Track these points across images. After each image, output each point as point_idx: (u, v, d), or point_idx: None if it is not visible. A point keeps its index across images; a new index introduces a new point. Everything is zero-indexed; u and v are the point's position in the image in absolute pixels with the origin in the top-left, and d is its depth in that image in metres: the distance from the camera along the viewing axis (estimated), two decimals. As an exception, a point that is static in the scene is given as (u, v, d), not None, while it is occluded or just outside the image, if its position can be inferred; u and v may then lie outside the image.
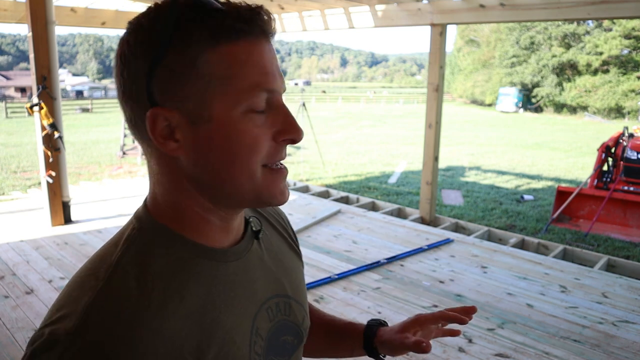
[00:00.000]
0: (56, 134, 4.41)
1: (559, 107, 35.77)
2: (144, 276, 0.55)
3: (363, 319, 3.19)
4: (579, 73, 34.95)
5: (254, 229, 0.69)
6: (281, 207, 0.80)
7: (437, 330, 0.86)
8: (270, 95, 0.57)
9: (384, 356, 0.87)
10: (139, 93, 0.55)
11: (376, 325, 0.88)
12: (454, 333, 0.87)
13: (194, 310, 0.56)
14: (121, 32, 0.60)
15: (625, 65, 32.73)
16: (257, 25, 0.55)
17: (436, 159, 5.35)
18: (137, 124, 0.57)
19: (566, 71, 35.86)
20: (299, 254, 0.82)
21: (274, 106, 0.58)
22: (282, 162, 0.61)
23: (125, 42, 0.56)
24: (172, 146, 0.56)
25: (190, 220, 0.60)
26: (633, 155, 6.57)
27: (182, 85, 0.54)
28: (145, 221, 0.60)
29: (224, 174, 0.57)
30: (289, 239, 0.81)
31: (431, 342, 0.77)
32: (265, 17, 0.56)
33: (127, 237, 0.59)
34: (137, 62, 0.55)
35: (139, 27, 0.56)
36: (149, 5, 0.58)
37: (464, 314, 0.82)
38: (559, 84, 35.79)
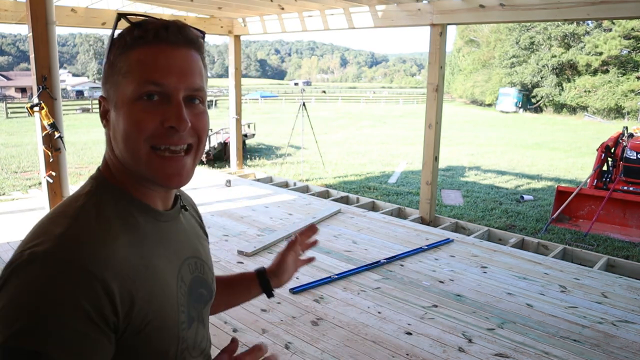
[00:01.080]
0: (56, 134, 4.41)
1: (559, 107, 35.76)
2: (101, 217, 0.71)
3: (363, 319, 3.20)
4: (579, 73, 34.94)
5: (181, 204, 0.87)
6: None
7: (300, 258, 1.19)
8: (163, 89, 0.71)
9: (273, 290, 1.12)
10: (103, 84, 0.78)
11: (263, 266, 1.13)
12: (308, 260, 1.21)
13: (136, 247, 0.72)
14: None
15: (625, 65, 32.72)
16: (159, 34, 0.72)
17: (436, 159, 5.35)
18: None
19: (566, 71, 35.85)
20: (207, 235, 1.00)
21: (170, 100, 0.72)
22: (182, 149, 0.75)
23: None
24: (104, 123, 0.78)
25: (133, 184, 0.77)
26: (632, 155, 6.57)
27: (109, 80, 0.75)
28: (101, 181, 0.77)
29: (122, 149, 0.74)
30: (200, 221, 0.99)
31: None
32: (173, 29, 0.73)
33: (87, 192, 0.75)
34: (103, 61, 0.78)
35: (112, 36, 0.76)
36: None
37: (308, 231, 1.14)
38: (559, 84, 35.79)
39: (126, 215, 0.74)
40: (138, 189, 0.77)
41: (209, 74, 0.83)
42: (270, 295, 1.12)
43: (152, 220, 0.78)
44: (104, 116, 0.77)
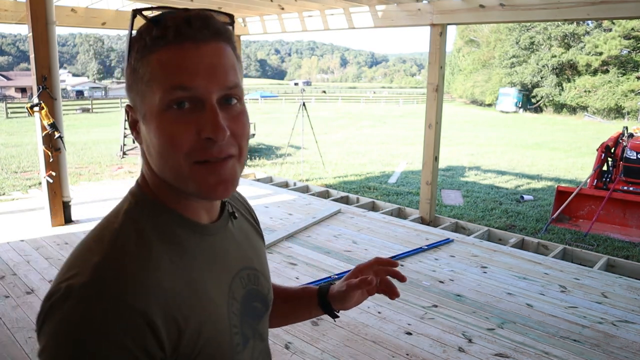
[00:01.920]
0: (56, 134, 4.41)
1: (559, 107, 35.76)
2: (141, 241, 0.64)
3: (363, 319, 3.20)
4: (579, 73, 34.94)
5: (230, 210, 0.80)
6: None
7: (379, 281, 0.94)
8: (193, 93, 0.62)
9: (338, 311, 0.97)
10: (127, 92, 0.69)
11: (327, 285, 0.98)
12: (393, 292, 0.94)
13: (182, 272, 0.65)
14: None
15: (625, 65, 32.72)
16: (176, 30, 0.62)
17: (436, 159, 5.35)
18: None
19: (566, 71, 35.85)
20: (262, 236, 0.92)
21: (202, 105, 0.63)
22: (224, 156, 0.65)
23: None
24: (135, 135, 0.69)
25: (174, 198, 0.69)
26: (632, 155, 6.57)
27: (132, 87, 0.66)
28: (139, 197, 0.70)
29: (160, 166, 0.66)
30: (253, 222, 0.91)
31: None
32: (195, 22, 0.62)
33: (125, 210, 0.68)
34: (124, 70, 0.68)
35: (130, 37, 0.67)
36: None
37: (395, 275, 0.93)
38: (559, 84, 35.79)
39: (169, 234, 0.67)
40: (180, 201, 0.69)
41: None
42: (334, 316, 0.99)
43: (198, 237, 0.70)
44: (134, 127, 0.69)
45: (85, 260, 0.61)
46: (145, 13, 0.64)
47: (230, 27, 0.68)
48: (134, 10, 0.64)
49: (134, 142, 9.68)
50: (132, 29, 0.64)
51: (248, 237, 0.84)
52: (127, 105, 0.69)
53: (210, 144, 0.63)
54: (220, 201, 0.77)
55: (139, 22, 0.65)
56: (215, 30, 0.64)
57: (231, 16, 0.69)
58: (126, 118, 0.70)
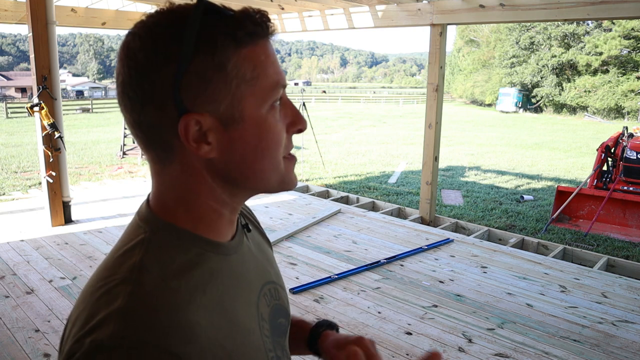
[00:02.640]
0: (56, 134, 4.41)
1: (559, 107, 35.77)
2: (168, 275, 0.57)
3: (363, 319, 3.20)
4: (579, 73, 34.95)
5: (242, 222, 0.74)
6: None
7: None
8: (284, 90, 0.63)
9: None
10: (163, 101, 0.56)
11: (323, 327, 0.87)
12: None
13: (215, 303, 0.59)
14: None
15: (625, 65, 32.73)
16: (267, 27, 0.59)
17: (436, 159, 5.35)
18: (157, 129, 0.58)
19: (566, 71, 35.86)
20: (269, 242, 0.87)
21: (283, 101, 0.63)
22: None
23: (139, 51, 0.56)
24: (205, 149, 0.58)
25: (203, 216, 0.63)
26: (632, 155, 6.57)
27: (212, 89, 0.56)
28: (154, 223, 0.61)
29: (255, 168, 0.62)
30: (260, 229, 0.86)
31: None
32: (270, 20, 0.61)
33: (142, 241, 0.60)
34: (160, 71, 0.55)
35: (155, 35, 0.56)
36: (153, 8, 0.58)
37: None
38: (559, 84, 35.80)
39: (196, 261, 0.60)
40: (204, 221, 0.63)
41: None
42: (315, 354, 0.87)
43: (222, 259, 0.64)
44: (200, 140, 0.57)
45: (106, 305, 0.53)
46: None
47: None
48: (199, 2, 0.56)
49: (133, 142, 9.69)
50: (196, 22, 0.55)
51: (261, 248, 0.79)
52: (192, 114, 0.56)
53: (291, 138, 0.65)
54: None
55: (128, 24, 0.59)
56: (274, 28, 0.63)
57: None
58: (181, 133, 0.56)
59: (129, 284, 0.54)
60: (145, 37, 0.56)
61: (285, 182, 0.65)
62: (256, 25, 0.58)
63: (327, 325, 0.88)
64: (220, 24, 0.56)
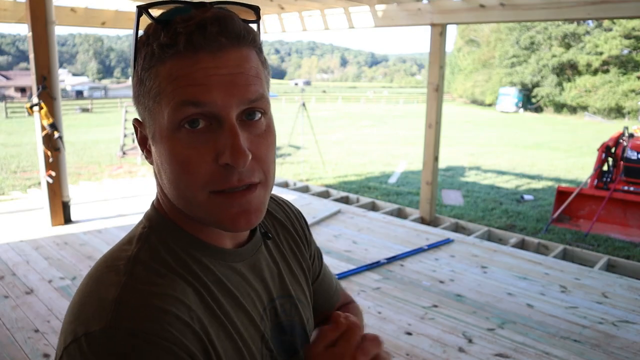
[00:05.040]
0: (56, 134, 4.41)
1: (559, 107, 35.77)
2: (163, 269, 0.57)
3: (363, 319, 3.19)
4: (579, 73, 34.96)
5: (262, 230, 0.71)
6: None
7: None
8: (207, 109, 0.53)
9: None
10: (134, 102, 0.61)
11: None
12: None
13: (207, 304, 0.58)
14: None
15: (625, 65, 32.73)
16: (187, 38, 0.52)
17: (436, 159, 5.35)
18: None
19: (566, 71, 35.86)
20: (305, 256, 0.80)
21: (220, 124, 0.54)
22: (245, 184, 0.56)
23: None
24: (146, 154, 0.61)
25: (194, 223, 0.61)
26: (633, 155, 6.57)
27: (139, 99, 0.58)
28: (156, 220, 0.62)
29: (173, 192, 0.58)
30: (297, 238, 0.79)
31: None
32: (210, 27, 0.53)
33: (140, 235, 0.60)
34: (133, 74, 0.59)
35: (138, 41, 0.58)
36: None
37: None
38: (559, 84, 35.80)
39: (192, 262, 0.59)
40: (200, 227, 0.61)
41: None
42: None
43: (222, 265, 0.62)
44: (144, 144, 0.61)
45: (100, 296, 0.53)
46: (153, 9, 0.54)
47: (256, 25, 0.58)
48: (139, 7, 0.55)
49: (133, 141, 9.70)
50: (137, 29, 0.56)
51: (285, 258, 0.73)
52: (135, 120, 0.61)
53: (230, 171, 0.54)
54: None
55: (145, 21, 0.56)
56: (235, 34, 0.54)
57: (256, 10, 0.58)
58: (134, 133, 0.62)
59: (123, 276, 0.54)
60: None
61: (213, 222, 0.58)
62: (172, 37, 0.52)
63: None
64: (150, 36, 0.54)
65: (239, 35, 0.55)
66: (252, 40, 0.57)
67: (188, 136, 0.54)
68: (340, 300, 0.90)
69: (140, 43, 0.56)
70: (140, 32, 0.57)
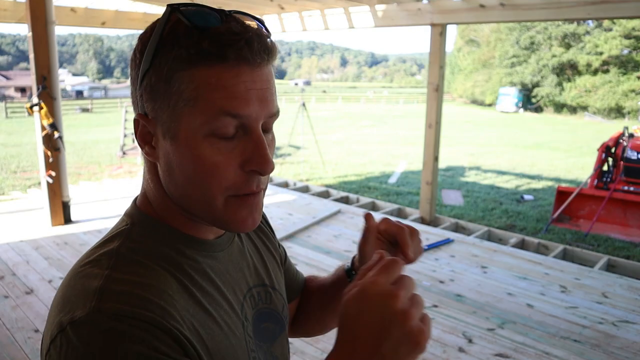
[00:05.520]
0: (56, 134, 4.41)
1: (559, 107, 35.77)
2: (146, 261, 0.58)
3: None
4: (579, 73, 34.96)
5: None
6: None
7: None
8: (241, 121, 0.56)
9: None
10: (134, 98, 0.61)
11: (350, 265, 0.85)
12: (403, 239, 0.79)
13: (191, 293, 0.60)
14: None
15: (625, 65, 32.73)
16: (235, 51, 0.55)
17: (436, 159, 5.35)
18: (135, 124, 0.62)
19: (566, 71, 35.86)
20: (275, 246, 0.85)
21: (248, 133, 0.58)
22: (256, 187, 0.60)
23: (135, 47, 0.61)
24: (147, 151, 0.61)
25: (178, 216, 0.64)
26: (633, 155, 6.57)
27: (159, 98, 0.58)
28: (137, 217, 0.64)
29: (183, 192, 0.60)
30: (267, 231, 0.85)
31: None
32: (252, 43, 0.55)
33: (122, 231, 0.62)
34: (135, 68, 0.60)
35: (144, 34, 0.60)
36: (152, 8, 0.58)
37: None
38: (559, 84, 35.80)
39: (174, 254, 0.61)
40: (181, 219, 0.64)
41: None
42: None
43: (205, 255, 0.65)
44: (147, 140, 0.61)
45: (84, 287, 0.54)
46: (184, 10, 0.56)
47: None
48: (170, 6, 0.57)
49: (133, 141, 9.69)
50: (164, 29, 0.57)
51: (258, 250, 0.79)
52: (140, 115, 0.60)
53: (252, 177, 0.59)
54: None
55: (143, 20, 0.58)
56: (270, 52, 0.58)
57: (263, 23, 0.62)
58: (135, 128, 0.61)
59: (106, 269, 0.56)
60: (140, 36, 0.60)
61: (221, 222, 0.61)
62: (217, 47, 0.54)
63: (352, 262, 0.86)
64: (183, 38, 0.55)
65: (272, 52, 0.58)
66: (276, 58, 0.60)
67: (219, 143, 0.57)
68: (304, 277, 0.97)
69: (169, 43, 0.56)
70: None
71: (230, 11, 0.59)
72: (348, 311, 0.51)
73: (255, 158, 0.57)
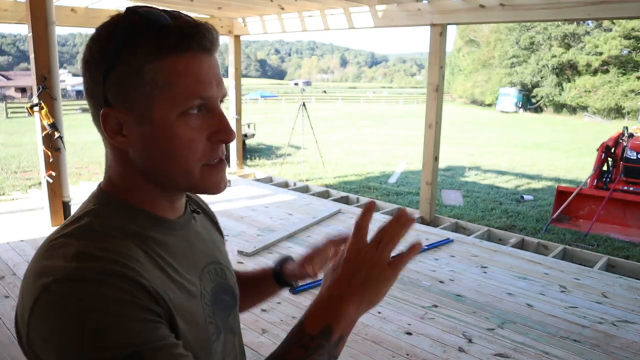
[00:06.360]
0: (56, 134, 4.41)
1: (559, 107, 35.76)
2: (115, 233, 0.65)
3: (363, 319, 3.18)
4: (579, 73, 34.93)
5: (191, 208, 0.83)
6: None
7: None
8: (205, 101, 0.66)
9: (296, 282, 1.03)
10: (96, 94, 0.66)
11: (281, 263, 1.03)
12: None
13: (157, 263, 0.67)
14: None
15: (625, 65, 32.71)
16: (196, 41, 0.65)
17: (436, 159, 5.35)
18: (96, 119, 0.68)
19: (566, 71, 35.85)
20: (222, 233, 0.96)
21: (210, 110, 0.68)
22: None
23: (88, 48, 0.66)
24: (120, 140, 0.67)
25: (144, 198, 0.71)
26: (633, 155, 6.57)
27: (130, 90, 0.64)
28: (105, 199, 0.71)
29: (163, 167, 0.68)
30: (214, 221, 0.95)
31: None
32: (207, 34, 0.66)
33: (91, 210, 0.68)
34: (96, 67, 0.65)
35: (99, 36, 0.65)
36: (147, 5, 0.61)
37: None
38: (559, 84, 35.78)
39: (139, 230, 0.68)
40: (147, 200, 0.71)
41: None
42: (292, 287, 1.04)
43: (166, 232, 0.72)
44: (116, 131, 0.67)
45: (61, 254, 0.60)
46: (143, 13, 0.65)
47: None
48: (129, 9, 0.65)
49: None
50: (127, 29, 0.64)
51: (211, 234, 0.88)
52: (107, 108, 0.65)
53: (217, 147, 0.69)
54: (184, 199, 0.81)
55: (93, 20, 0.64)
56: (218, 42, 0.69)
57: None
58: (103, 122, 0.66)
59: (81, 239, 0.62)
60: (94, 38, 0.66)
61: (199, 189, 0.72)
62: (181, 38, 0.64)
63: (284, 260, 1.03)
64: (148, 33, 0.63)
65: (218, 42, 0.70)
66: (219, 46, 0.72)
67: (190, 120, 0.66)
68: None
69: (137, 40, 0.63)
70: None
71: (171, 11, 0.67)
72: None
73: (222, 130, 0.68)
